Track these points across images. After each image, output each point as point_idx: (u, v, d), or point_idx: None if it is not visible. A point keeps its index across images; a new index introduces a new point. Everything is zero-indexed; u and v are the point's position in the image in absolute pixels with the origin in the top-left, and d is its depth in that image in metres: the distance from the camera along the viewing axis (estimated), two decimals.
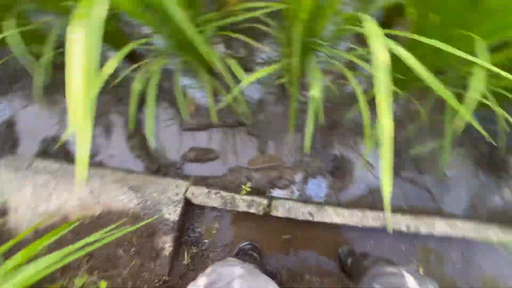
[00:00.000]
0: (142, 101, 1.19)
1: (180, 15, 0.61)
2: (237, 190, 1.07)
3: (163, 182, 1.00)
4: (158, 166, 1.15)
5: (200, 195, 0.98)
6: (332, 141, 1.20)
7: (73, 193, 0.96)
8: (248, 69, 1.24)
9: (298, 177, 1.15)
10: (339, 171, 1.17)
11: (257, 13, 0.92)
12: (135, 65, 0.94)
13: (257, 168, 1.15)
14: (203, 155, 1.16)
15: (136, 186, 0.98)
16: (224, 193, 0.99)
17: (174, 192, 0.98)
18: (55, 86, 1.17)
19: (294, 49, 0.72)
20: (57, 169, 1.00)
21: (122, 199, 0.96)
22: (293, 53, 0.74)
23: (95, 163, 1.15)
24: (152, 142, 1.16)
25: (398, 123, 1.20)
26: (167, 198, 0.96)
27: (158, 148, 1.17)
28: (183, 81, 1.23)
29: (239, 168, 1.15)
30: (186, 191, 0.98)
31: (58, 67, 0.71)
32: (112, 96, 1.21)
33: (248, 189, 1.05)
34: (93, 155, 1.17)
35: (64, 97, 0.73)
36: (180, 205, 0.95)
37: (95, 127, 1.19)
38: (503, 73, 0.52)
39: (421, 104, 1.14)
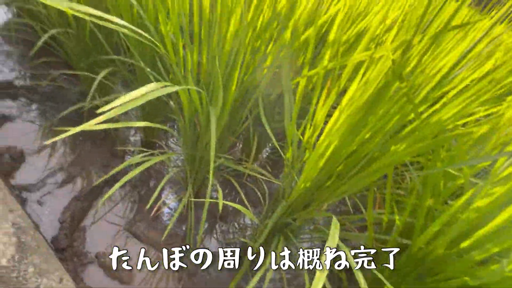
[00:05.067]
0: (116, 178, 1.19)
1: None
2: None
3: (51, 264, 0.79)
4: (67, 246, 0.95)
5: None
6: None
7: None
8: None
9: None
10: None
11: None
12: None
13: None
14: (118, 270, 0.97)
15: (25, 245, 0.78)
16: None
17: (52, 284, 0.75)
18: None
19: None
20: None
21: None
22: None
23: None
24: None
25: None
26: (36, 284, 0.73)
27: (84, 228, 1.02)
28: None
29: None
30: None
31: None
32: (102, 154, 1.24)
33: None
34: (29, 188, 1.04)
35: None
36: None
37: (61, 171, 1.14)
38: None
39: None
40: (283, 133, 0.85)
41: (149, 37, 0.59)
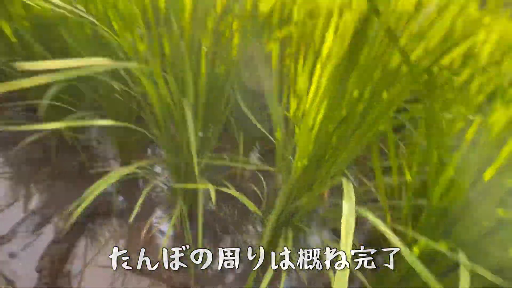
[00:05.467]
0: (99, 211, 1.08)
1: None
2: None
3: None
4: None
5: None
6: None
7: None
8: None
9: None
10: None
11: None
12: None
13: None
14: None
15: None
16: None
17: None
18: None
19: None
20: None
21: None
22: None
23: None
24: None
25: None
26: None
27: (68, 273, 0.89)
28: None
29: None
30: None
31: None
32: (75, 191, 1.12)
33: None
34: None
35: None
36: None
37: (33, 215, 1.01)
38: None
39: None
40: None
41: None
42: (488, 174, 0.51)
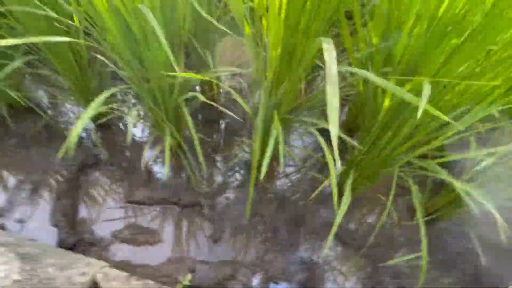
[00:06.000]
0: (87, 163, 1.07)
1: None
2: (172, 284, 0.79)
3: (69, 257, 0.73)
4: (77, 241, 0.88)
5: (115, 280, 0.69)
6: (300, 240, 1.02)
7: None
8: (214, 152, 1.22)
9: (256, 279, 0.89)
10: (307, 278, 0.93)
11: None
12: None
13: (205, 259, 0.90)
14: (142, 236, 0.93)
15: (29, 254, 0.70)
16: (150, 282, 0.71)
17: (80, 270, 0.69)
18: None
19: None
20: None
21: None
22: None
23: None
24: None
25: (368, 226, 1.09)
26: (65, 278, 0.67)
27: (84, 219, 0.94)
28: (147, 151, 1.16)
29: (183, 259, 0.89)
30: (98, 271, 0.70)
31: None
32: (53, 152, 1.09)
33: (188, 283, 0.77)
34: None
35: None
36: None
37: (23, 184, 0.99)
38: None
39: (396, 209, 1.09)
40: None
41: None
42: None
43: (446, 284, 0.97)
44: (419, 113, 0.37)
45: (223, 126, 1.30)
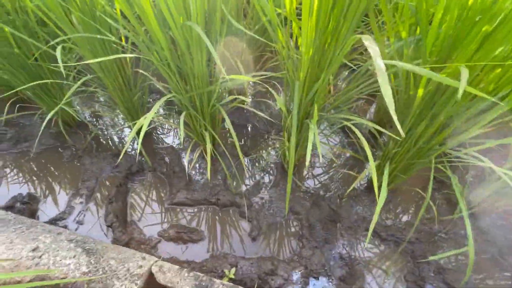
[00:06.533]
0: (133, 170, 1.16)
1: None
2: (218, 278, 0.84)
3: (126, 252, 0.80)
4: (129, 240, 0.96)
5: (170, 271, 0.75)
6: (336, 236, 1.04)
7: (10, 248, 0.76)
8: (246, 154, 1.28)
9: (296, 274, 0.92)
10: (347, 274, 0.94)
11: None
12: None
13: (247, 256, 0.94)
14: (186, 234, 0.99)
15: (93, 250, 0.78)
16: (200, 274, 0.77)
17: (137, 263, 0.76)
18: None
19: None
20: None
21: (68, 263, 0.74)
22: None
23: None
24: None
25: (407, 220, 1.08)
26: (126, 270, 0.74)
27: (133, 220, 1.02)
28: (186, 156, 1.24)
29: (225, 255, 0.94)
30: (153, 264, 0.77)
31: None
32: (103, 161, 1.19)
33: (232, 276, 0.82)
34: (60, 217, 1.01)
35: None
36: (140, 280, 0.72)
37: (80, 190, 1.10)
38: None
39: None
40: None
41: None
42: None
43: (497, 279, 0.93)
44: (459, 93, 0.40)
45: (252, 129, 1.36)
